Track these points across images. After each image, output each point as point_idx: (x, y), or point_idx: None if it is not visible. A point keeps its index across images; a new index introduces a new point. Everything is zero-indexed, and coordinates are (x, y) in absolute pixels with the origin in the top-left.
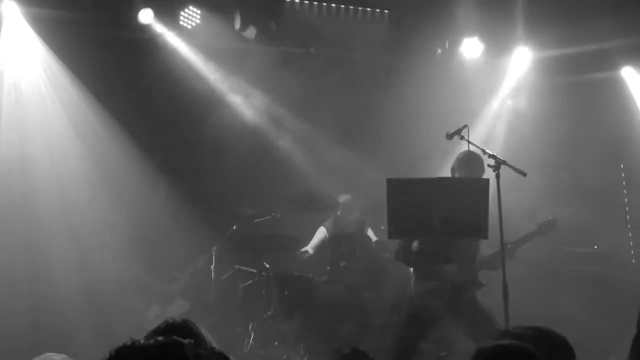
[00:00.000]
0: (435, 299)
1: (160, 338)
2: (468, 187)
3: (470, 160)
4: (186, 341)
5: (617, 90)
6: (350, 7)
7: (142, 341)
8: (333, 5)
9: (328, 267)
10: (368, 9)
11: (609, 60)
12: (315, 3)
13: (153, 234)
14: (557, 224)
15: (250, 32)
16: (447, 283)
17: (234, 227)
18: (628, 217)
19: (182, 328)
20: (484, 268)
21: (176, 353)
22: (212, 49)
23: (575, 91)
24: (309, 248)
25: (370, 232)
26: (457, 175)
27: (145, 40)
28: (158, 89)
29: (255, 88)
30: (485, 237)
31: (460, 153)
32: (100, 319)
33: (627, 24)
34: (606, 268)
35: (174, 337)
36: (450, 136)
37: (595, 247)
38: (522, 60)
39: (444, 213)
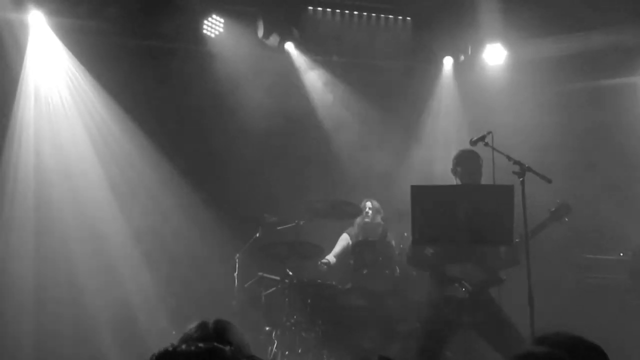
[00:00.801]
0: (452, 304)
1: (201, 344)
2: (493, 194)
3: (461, 156)
4: (227, 348)
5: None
6: (372, 14)
7: (183, 347)
8: (355, 12)
9: (351, 275)
10: (390, 16)
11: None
12: (338, 11)
13: (180, 245)
14: (570, 207)
15: (274, 40)
16: (463, 287)
17: (257, 235)
18: None
19: (217, 330)
20: (504, 267)
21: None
22: (235, 57)
23: (598, 96)
24: (331, 256)
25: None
26: (458, 174)
27: (168, 49)
28: (181, 97)
29: (280, 95)
30: (510, 243)
31: (456, 152)
32: (130, 333)
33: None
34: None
35: (215, 343)
36: (474, 142)
37: (621, 254)
38: (544, 65)
39: (468, 219)
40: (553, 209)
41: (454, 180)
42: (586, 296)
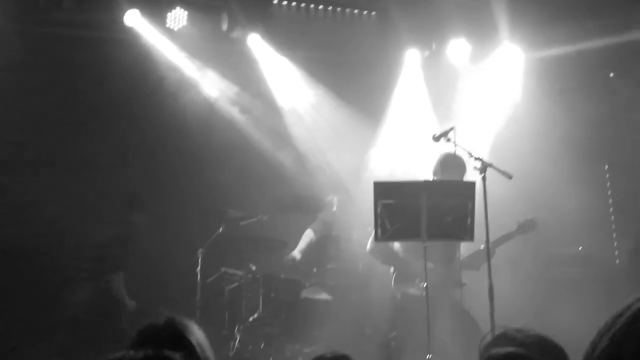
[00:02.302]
0: (416, 300)
1: (149, 351)
2: (455, 190)
3: (449, 163)
4: (177, 355)
5: (603, 91)
6: (338, 8)
7: (131, 353)
8: (321, 6)
9: (315, 270)
10: (355, 10)
11: (599, 62)
12: (303, 5)
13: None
14: (536, 223)
15: (238, 34)
16: (427, 284)
17: (220, 230)
18: (612, 217)
19: (170, 330)
20: (465, 268)
21: None
22: (199, 50)
23: (564, 92)
24: (296, 252)
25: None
26: (438, 177)
27: (129, 42)
28: (142, 92)
29: (242, 89)
30: (472, 239)
31: (440, 155)
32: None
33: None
34: (590, 269)
35: (165, 350)
36: (437, 138)
37: (580, 248)
38: (511, 61)
39: (430, 215)
40: (520, 223)
41: (419, 177)
42: (550, 290)
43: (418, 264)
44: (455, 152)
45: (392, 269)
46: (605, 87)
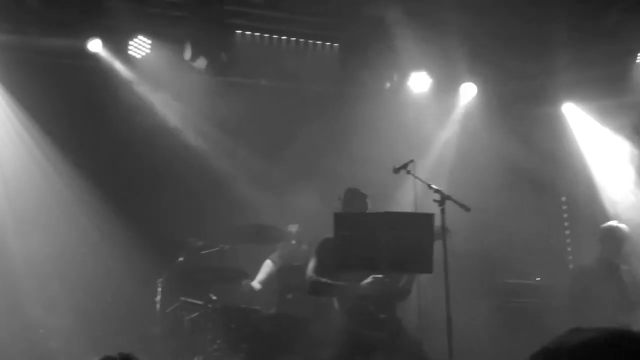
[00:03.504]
0: (359, 324)
1: None
2: (413, 222)
3: (353, 197)
4: None
5: (559, 124)
6: (301, 39)
7: None
8: (284, 37)
9: (276, 300)
10: (318, 41)
11: (551, 96)
12: (267, 35)
13: (97, 267)
14: (448, 230)
15: (201, 63)
16: (367, 301)
17: (181, 259)
18: (569, 249)
19: None
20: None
21: None
22: (161, 79)
23: (520, 125)
24: (256, 283)
25: None
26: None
27: (92, 69)
28: (104, 118)
29: (204, 119)
30: (430, 271)
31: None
32: None
33: (569, 60)
34: (548, 300)
35: None
36: (397, 170)
37: (538, 279)
38: (468, 94)
39: (389, 247)
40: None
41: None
42: (507, 320)
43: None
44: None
45: (336, 300)
46: (560, 122)
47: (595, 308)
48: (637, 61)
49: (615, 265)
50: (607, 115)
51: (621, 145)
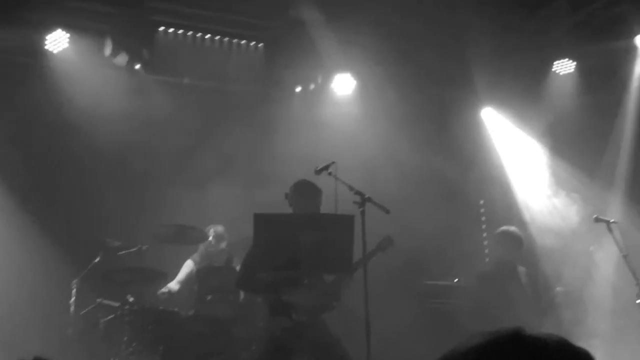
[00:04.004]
0: (284, 330)
1: None
2: (334, 223)
3: (303, 191)
4: None
5: (478, 129)
6: (225, 38)
7: None
8: (208, 35)
9: (195, 301)
10: (243, 41)
11: (470, 100)
12: (190, 32)
13: (10, 268)
14: (392, 240)
15: (122, 59)
16: (294, 310)
17: (97, 259)
18: (486, 251)
19: None
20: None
21: None
22: (79, 74)
23: (440, 129)
24: (174, 283)
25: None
26: (292, 202)
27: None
28: (16, 114)
29: (124, 116)
30: (349, 271)
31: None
32: None
33: (489, 66)
34: (466, 301)
35: None
36: (318, 172)
37: (456, 280)
38: (390, 97)
39: (310, 248)
40: (379, 241)
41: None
42: (426, 321)
43: (286, 293)
44: (307, 181)
45: (261, 299)
46: (479, 126)
47: (502, 310)
48: (553, 69)
49: (514, 268)
50: (524, 119)
51: (538, 149)
